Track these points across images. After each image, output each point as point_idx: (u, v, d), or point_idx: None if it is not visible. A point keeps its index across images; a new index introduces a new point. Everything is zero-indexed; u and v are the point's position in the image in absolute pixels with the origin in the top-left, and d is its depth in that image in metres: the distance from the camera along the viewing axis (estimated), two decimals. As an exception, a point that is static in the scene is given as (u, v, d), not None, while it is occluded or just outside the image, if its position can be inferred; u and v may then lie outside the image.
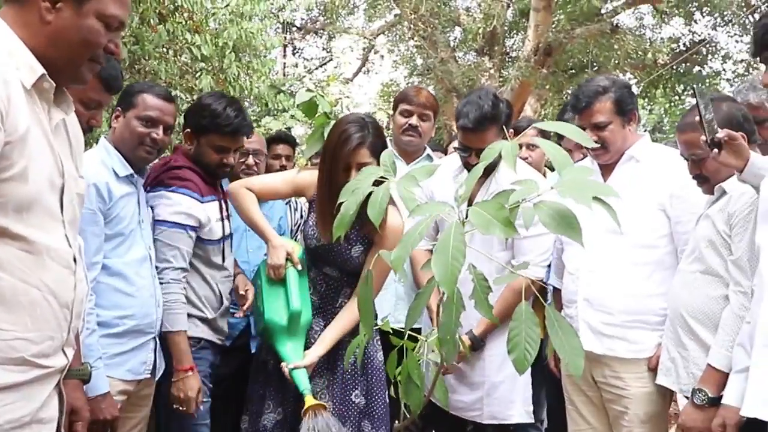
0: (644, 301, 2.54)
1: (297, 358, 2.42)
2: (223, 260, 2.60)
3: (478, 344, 2.80)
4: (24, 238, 1.33)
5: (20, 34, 1.37)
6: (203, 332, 2.55)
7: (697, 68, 13.21)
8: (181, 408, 2.42)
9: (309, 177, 2.58)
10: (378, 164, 2.46)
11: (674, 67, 12.67)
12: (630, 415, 2.54)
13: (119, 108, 2.39)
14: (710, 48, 13.14)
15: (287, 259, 2.51)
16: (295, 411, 2.45)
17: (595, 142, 2.52)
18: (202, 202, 2.48)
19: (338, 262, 2.54)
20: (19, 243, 1.32)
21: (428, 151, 3.32)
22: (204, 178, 2.55)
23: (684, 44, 13.12)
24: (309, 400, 2.35)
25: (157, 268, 2.40)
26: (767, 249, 1.81)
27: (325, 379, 2.51)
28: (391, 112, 3.48)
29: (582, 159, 3.02)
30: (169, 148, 3.79)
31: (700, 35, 13.12)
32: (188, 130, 2.58)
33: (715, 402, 2.09)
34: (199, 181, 2.51)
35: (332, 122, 2.97)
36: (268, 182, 2.70)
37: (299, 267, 2.52)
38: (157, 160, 2.59)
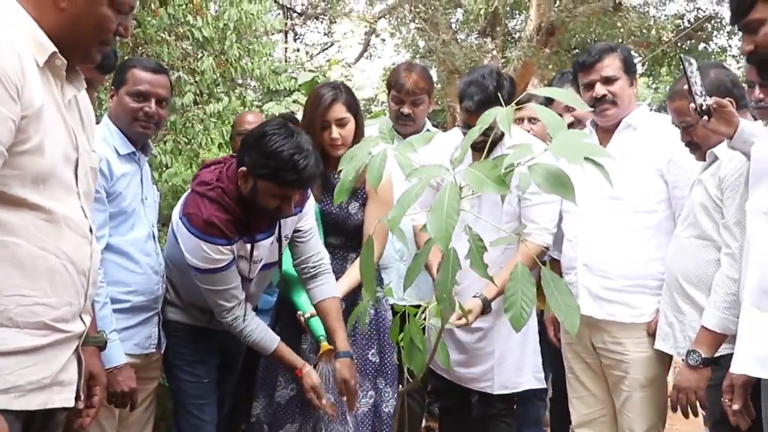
0: (643, 266, 2.58)
1: (312, 308, 2.51)
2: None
3: (488, 308, 2.70)
4: (42, 208, 1.38)
5: (32, 14, 1.41)
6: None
7: (702, 45, 13.11)
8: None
9: None
10: (355, 120, 2.57)
11: (679, 44, 12.58)
12: (629, 380, 2.59)
13: (113, 86, 2.42)
14: (715, 24, 13.03)
15: None
16: None
17: (605, 96, 2.60)
18: (230, 244, 2.26)
19: (339, 223, 2.63)
20: (38, 212, 1.37)
21: (428, 125, 3.29)
22: (241, 224, 2.26)
23: (688, 21, 13.00)
24: (324, 346, 2.47)
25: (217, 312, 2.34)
26: (753, 214, 1.84)
27: None
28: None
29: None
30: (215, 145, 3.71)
31: (704, 11, 13.01)
32: (244, 168, 2.21)
33: (709, 362, 2.14)
34: (230, 230, 2.24)
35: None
36: None
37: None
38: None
